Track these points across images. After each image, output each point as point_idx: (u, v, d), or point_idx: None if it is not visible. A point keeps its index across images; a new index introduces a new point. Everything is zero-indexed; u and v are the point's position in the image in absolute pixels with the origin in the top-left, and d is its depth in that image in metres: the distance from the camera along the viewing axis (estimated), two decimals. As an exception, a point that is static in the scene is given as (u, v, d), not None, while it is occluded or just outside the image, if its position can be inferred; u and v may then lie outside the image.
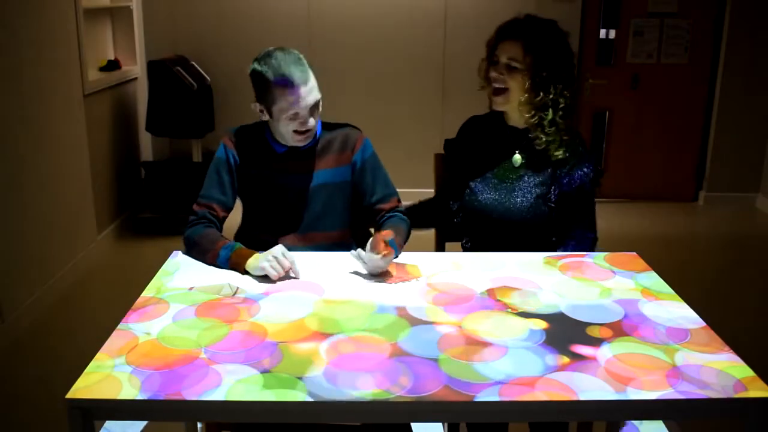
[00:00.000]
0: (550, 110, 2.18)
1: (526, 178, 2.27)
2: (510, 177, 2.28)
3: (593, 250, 2.25)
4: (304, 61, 2.15)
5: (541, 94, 2.17)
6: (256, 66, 2.17)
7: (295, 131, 2.16)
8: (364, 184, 2.28)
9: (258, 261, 1.99)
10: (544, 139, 2.21)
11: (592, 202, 2.31)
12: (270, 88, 2.12)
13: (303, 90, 2.10)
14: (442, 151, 2.52)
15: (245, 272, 2.02)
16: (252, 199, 2.28)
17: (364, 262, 2.00)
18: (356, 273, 2.04)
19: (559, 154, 2.22)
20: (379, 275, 2.01)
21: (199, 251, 2.12)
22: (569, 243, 2.26)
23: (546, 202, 2.24)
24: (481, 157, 2.34)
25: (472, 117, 2.44)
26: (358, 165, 2.28)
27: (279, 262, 1.98)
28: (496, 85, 2.22)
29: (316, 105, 2.15)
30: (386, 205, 2.27)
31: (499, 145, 2.32)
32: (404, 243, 2.20)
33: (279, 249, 2.00)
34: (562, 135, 2.21)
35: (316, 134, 2.25)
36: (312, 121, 2.15)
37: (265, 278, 1.99)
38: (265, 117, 2.21)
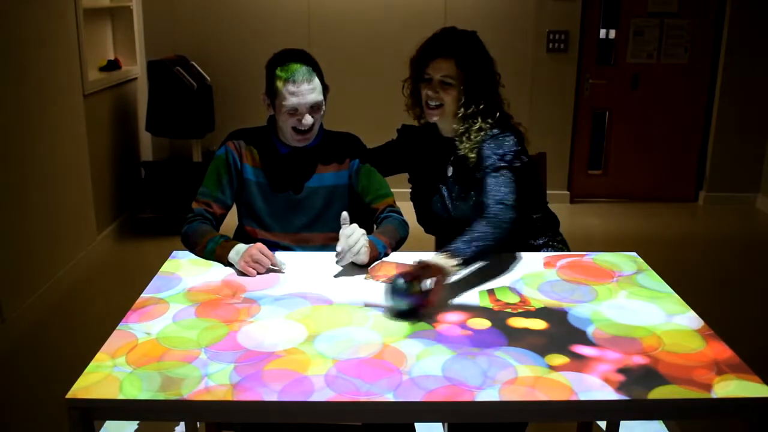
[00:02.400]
0: (479, 118, 2.22)
1: (461, 186, 2.29)
2: (450, 186, 2.32)
3: (503, 222, 2.03)
4: (315, 64, 2.22)
5: (473, 105, 2.21)
6: (270, 59, 2.24)
7: (294, 129, 2.19)
8: (359, 185, 2.31)
9: (238, 255, 2.05)
10: (468, 145, 2.22)
11: (503, 179, 2.13)
12: (275, 80, 2.17)
13: (305, 87, 2.14)
14: None
15: (229, 264, 2.08)
16: (252, 199, 2.29)
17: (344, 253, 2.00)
18: (355, 274, 2.04)
19: (473, 156, 2.22)
20: (380, 275, 2.01)
21: (191, 245, 2.19)
22: (479, 220, 2.05)
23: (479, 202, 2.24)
24: (420, 167, 2.41)
25: (404, 125, 2.48)
26: (355, 168, 2.32)
27: (258, 261, 2.02)
28: (432, 103, 2.24)
29: (317, 106, 2.18)
30: (380, 205, 2.29)
31: (435, 156, 2.36)
32: (397, 242, 2.21)
33: (256, 248, 2.05)
34: (483, 137, 2.21)
35: (316, 138, 2.28)
36: (310, 120, 2.17)
37: (265, 279, 2.00)
38: (270, 111, 2.25)
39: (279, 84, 2.15)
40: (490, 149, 2.18)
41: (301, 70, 2.15)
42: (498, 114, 2.24)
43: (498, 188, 2.11)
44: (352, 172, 2.32)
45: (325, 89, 2.24)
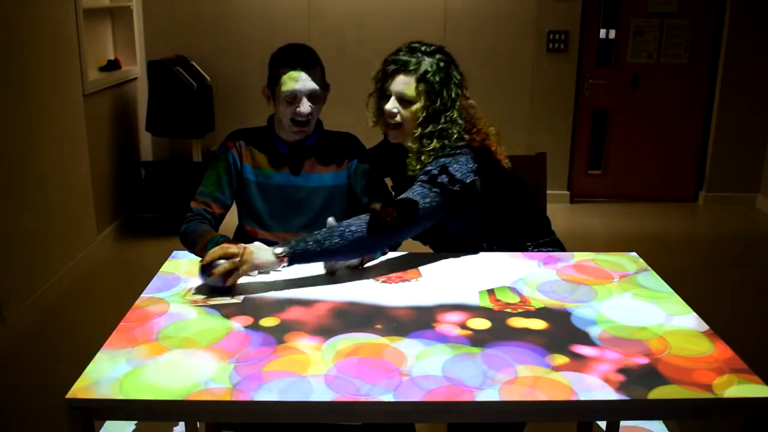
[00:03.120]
0: (435, 140, 2.14)
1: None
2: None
3: (405, 215, 2.02)
4: (318, 59, 2.24)
5: (431, 125, 2.14)
6: (274, 52, 2.26)
7: (293, 120, 2.20)
8: (358, 186, 2.31)
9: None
10: (418, 167, 2.15)
11: (419, 188, 2.07)
12: (277, 68, 2.20)
13: (305, 73, 2.17)
14: None
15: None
16: (251, 199, 2.29)
17: None
18: (356, 274, 2.04)
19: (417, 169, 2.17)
20: (380, 275, 2.02)
21: (190, 245, 2.17)
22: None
23: None
24: (397, 174, 2.37)
25: (385, 139, 2.41)
26: (354, 168, 2.32)
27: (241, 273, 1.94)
28: (391, 121, 2.18)
29: (315, 96, 2.20)
30: (378, 206, 2.29)
31: (402, 168, 2.27)
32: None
33: (247, 263, 1.93)
34: (431, 156, 2.14)
35: (315, 136, 2.30)
36: (307, 107, 2.18)
37: (266, 279, 2.00)
38: (270, 104, 2.27)
39: (280, 71, 2.18)
40: (428, 165, 2.12)
41: (302, 57, 2.19)
42: (455, 135, 2.14)
43: (407, 194, 2.05)
44: (350, 172, 2.32)
45: (326, 87, 2.24)
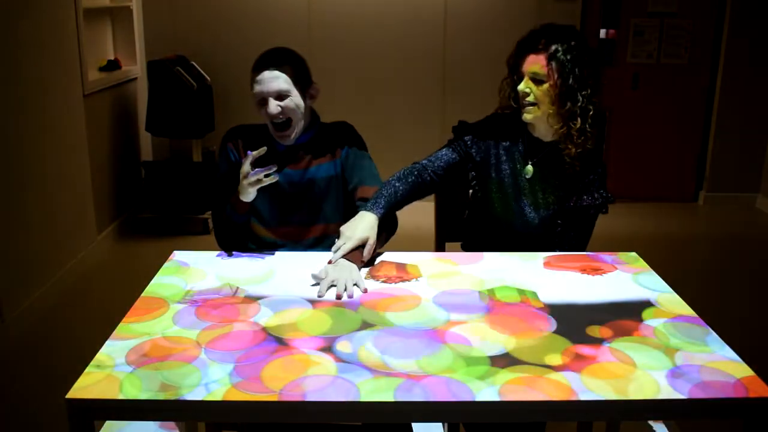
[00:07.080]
0: (579, 119, 2.13)
1: (537, 192, 2.26)
2: (521, 188, 2.27)
3: None
4: (288, 57, 2.24)
5: (569, 103, 2.13)
6: None
7: (272, 124, 2.23)
8: (346, 172, 2.32)
9: (243, 188, 2.12)
10: (573, 150, 2.16)
11: (590, 228, 2.29)
12: (251, 73, 2.24)
13: (268, 73, 2.19)
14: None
15: (244, 202, 2.16)
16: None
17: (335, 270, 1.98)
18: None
19: (571, 160, 2.19)
20: (380, 276, 2.02)
21: (222, 222, 2.25)
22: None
23: (555, 218, 2.25)
24: (494, 159, 2.30)
25: (495, 114, 2.36)
26: (344, 154, 2.32)
27: (252, 176, 2.08)
28: (526, 101, 2.17)
29: (282, 95, 2.19)
30: (358, 194, 2.27)
31: (515, 152, 2.28)
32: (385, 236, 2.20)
33: (243, 172, 2.10)
34: (587, 144, 2.16)
35: (310, 132, 2.31)
36: (274, 107, 2.19)
37: (266, 279, 2.00)
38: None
39: (251, 76, 2.22)
40: (593, 196, 2.23)
41: (267, 59, 2.21)
42: (602, 121, 2.17)
43: (586, 232, 2.26)
44: (342, 159, 2.32)
45: (304, 83, 2.24)
